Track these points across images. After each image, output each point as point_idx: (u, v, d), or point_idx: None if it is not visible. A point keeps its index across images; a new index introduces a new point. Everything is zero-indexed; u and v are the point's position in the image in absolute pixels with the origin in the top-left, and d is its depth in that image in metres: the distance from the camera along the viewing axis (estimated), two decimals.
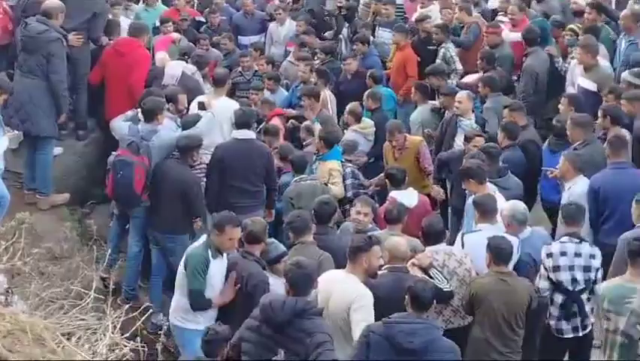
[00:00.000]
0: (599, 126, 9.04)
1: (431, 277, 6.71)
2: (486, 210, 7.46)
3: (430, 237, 7.29)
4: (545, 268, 7.05)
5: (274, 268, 6.83)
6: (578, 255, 7.06)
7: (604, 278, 7.06)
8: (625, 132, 8.66)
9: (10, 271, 6.10)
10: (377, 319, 5.94)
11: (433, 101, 10.61)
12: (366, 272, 6.34)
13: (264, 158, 8.80)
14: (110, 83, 10.12)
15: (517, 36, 11.36)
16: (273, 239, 7.14)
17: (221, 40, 12.76)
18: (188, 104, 9.41)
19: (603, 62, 10.27)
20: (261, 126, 10.06)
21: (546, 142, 9.30)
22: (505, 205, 7.52)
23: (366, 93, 10.66)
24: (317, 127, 9.93)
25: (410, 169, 9.20)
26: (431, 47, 11.80)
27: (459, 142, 9.51)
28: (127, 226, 8.91)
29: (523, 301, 6.78)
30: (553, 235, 8.06)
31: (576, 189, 8.00)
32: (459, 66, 11.48)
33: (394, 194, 8.48)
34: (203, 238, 6.98)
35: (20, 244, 6.02)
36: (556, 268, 7.02)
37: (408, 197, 8.42)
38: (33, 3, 9.64)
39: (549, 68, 10.93)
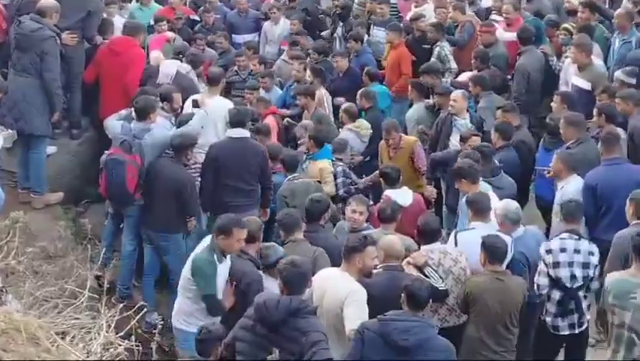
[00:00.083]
0: (593, 125, 9.06)
1: (426, 276, 6.71)
2: (479, 209, 7.47)
3: (426, 235, 7.28)
4: (545, 264, 7.05)
5: (272, 271, 6.81)
6: (577, 251, 7.08)
7: (600, 275, 7.08)
8: (620, 131, 8.68)
9: (4, 270, 6.10)
10: (372, 317, 5.94)
11: (428, 100, 10.63)
12: (360, 272, 6.35)
13: (259, 156, 8.79)
14: (104, 82, 10.10)
15: (511, 36, 11.37)
16: (273, 243, 7.10)
17: (216, 39, 12.77)
18: (183, 102, 9.41)
19: (597, 61, 10.29)
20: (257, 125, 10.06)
21: (541, 141, 9.33)
22: (498, 204, 7.53)
23: (359, 92, 10.68)
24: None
25: (404, 169, 9.21)
26: (426, 46, 11.82)
27: (454, 141, 9.52)
28: (121, 225, 8.90)
29: (518, 300, 6.80)
30: (547, 234, 8.08)
31: (569, 188, 8.00)
32: (453, 65, 11.50)
33: (389, 193, 8.49)
34: (206, 242, 6.86)
35: (14, 243, 6.02)
36: (556, 265, 7.03)
37: (402, 196, 8.43)
38: (28, 2, 9.61)
39: (544, 67, 10.96)
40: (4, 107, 9.02)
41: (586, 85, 9.95)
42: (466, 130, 9.33)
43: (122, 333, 5.35)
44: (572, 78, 10.19)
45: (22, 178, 9.51)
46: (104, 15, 10.84)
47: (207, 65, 11.12)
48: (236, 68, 12.02)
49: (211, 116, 9.27)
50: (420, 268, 6.85)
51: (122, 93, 9.67)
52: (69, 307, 5.67)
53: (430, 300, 6.12)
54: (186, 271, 6.86)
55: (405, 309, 5.87)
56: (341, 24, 13.06)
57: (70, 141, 10.34)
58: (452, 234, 7.55)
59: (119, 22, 11.22)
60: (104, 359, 5.03)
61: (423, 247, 7.21)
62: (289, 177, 8.89)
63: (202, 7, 13.82)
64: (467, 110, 9.79)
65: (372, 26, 12.84)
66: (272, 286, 6.55)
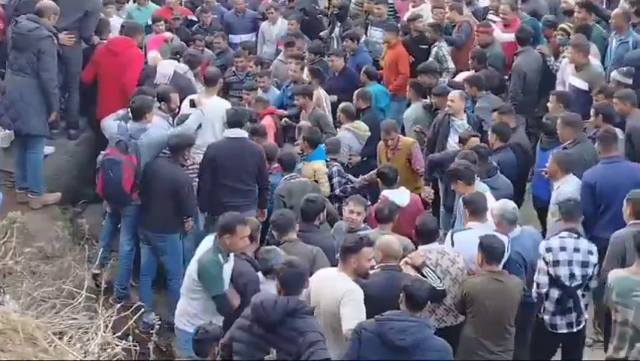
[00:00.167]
0: (590, 125, 9.07)
1: (424, 276, 6.72)
2: (476, 209, 7.47)
3: (424, 236, 7.29)
4: (545, 263, 7.06)
5: (273, 275, 6.76)
6: (576, 250, 7.09)
7: (598, 274, 7.11)
8: (617, 131, 8.68)
9: (1, 270, 6.11)
10: (371, 317, 5.94)
11: (425, 99, 10.64)
12: (355, 272, 6.35)
13: (257, 157, 8.79)
14: (102, 82, 10.09)
15: (509, 37, 11.38)
16: (274, 247, 7.05)
17: (214, 39, 12.76)
18: (180, 103, 9.41)
19: (594, 61, 10.30)
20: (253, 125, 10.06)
21: (538, 141, 9.34)
22: (494, 205, 7.53)
23: (355, 93, 10.68)
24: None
25: (402, 170, 9.21)
26: (423, 46, 11.82)
27: (452, 142, 9.52)
28: (119, 225, 8.91)
29: (516, 300, 6.82)
30: (543, 235, 8.08)
31: (566, 188, 7.99)
32: (451, 64, 11.51)
33: (386, 193, 8.49)
34: (208, 243, 6.81)
35: (12, 243, 6.02)
36: (556, 263, 7.04)
37: (400, 196, 8.44)
38: (25, 2, 9.61)
39: (541, 67, 10.97)
40: (1, 107, 9.03)
41: (583, 85, 9.96)
42: (465, 131, 9.32)
43: (119, 333, 5.36)
44: (569, 78, 10.20)
45: (19, 178, 9.50)
46: (102, 15, 10.83)
47: (205, 65, 11.12)
48: (234, 68, 12.02)
49: (208, 117, 9.27)
50: (418, 268, 6.86)
51: (120, 93, 9.66)
52: (66, 307, 5.68)
53: (429, 300, 6.13)
54: (191, 272, 6.79)
55: (403, 309, 5.87)
56: (339, 24, 13.05)
57: (67, 141, 10.33)
58: (449, 234, 7.55)
59: (116, 22, 11.22)
60: (101, 359, 5.03)
61: (421, 247, 7.21)
62: (286, 176, 8.90)
63: (199, 7, 13.81)
64: (464, 111, 9.80)
65: (369, 26, 12.84)
66: (272, 290, 6.52)
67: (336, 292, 6.20)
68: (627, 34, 10.41)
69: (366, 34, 12.71)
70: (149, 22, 12.08)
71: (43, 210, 9.38)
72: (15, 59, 9.21)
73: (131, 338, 5.51)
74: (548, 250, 7.09)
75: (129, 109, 8.72)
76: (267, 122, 10.29)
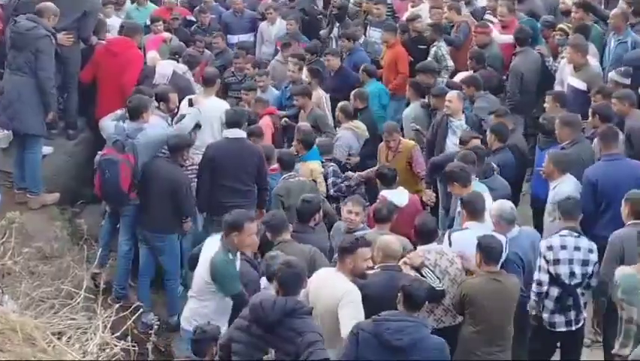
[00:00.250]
0: (589, 125, 9.07)
1: (423, 276, 6.73)
2: (474, 209, 7.45)
3: (423, 236, 7.30)
4: (546, 261, 7.07)
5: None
6: (577, 249, 7.10)
7: (598, 273, 7.12)
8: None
9: (0, 270, 6.10)
10: (369, 317, 5.94)
11: (423, 99, 10.64)
12: (352, 273, 6.35)
13: (256, 157, 8.79)
14: (101, 83, 10.09)
15: (507, 38, 11.39)
16: (278, 252, 6.95)
17: (213, 39, 12.76)
18: (179, 103, 9.41)
19: (593, 61, 10.31)
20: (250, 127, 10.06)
21: (537, 141, 9.35)
22: (493, 205, 7.54)
23: (352, 93, 10.68)
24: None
25: (402, 172, 9.21)
26: (422, 46, 11.83)
27: (450, 143, 9.52)
28: (118, 225, 8.91)
29: (514, 300, 6.82)
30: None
31: (563, 188, 7.99)
32: (450, 63, 11.52)
33: (385, 193, 8.49)
34: (214, 244, 6.73)
35: (10, 244, 6.01)
36: (556, 262, 7.05)
37: (398, 196, 8.43)
38: (25, 3, 9.61)
39: (540, 67, 10.97)
40: None
41: (581, 85, 9.96)
42: (465, 133, 9.30)
43: (118, 333, 5.34)
44: (567, 78, 10.21)
45: (18, 179, 9.50)
46: (100, 15, 10.83)
47: (203, 65, 11.13)
48: (232, 69, 12.02)
49: (207, 117, 9.28)
50: (417, 269, 6.86)
51: (119, 94, 9.65)
52: (65, 307, 5.66)
53: (427, 300, 6.13)
54: (203, 274, 6.69)
55: (400, 308, 5.88)
56: (337, 24, 13.06)
57: (66, 141, 10.33)
58: (446, 234, 7.54)
59: (115, 22, 11.22)
60: (100, 359, 5.03)
61: (420, 248, 7.22)
62: (284, 175, 8.90)
63: (197, 8, 13.81)
64: (463, 112, 9.79)
65: (368, 27, 12.84)
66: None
67: (335, 293, 6.21)
68: (625, 34, 10.43)
69: (365, 34, 12.71)
70: (148, 23, 12.08)
71: (41, 210, 9.38)
72: (13, 59, 9.20)
73: (129, 338, 5.50)
74: (549, 248, 7.09)
75: (126, 109, 8.73)
76: (265, 122, 10.30)
